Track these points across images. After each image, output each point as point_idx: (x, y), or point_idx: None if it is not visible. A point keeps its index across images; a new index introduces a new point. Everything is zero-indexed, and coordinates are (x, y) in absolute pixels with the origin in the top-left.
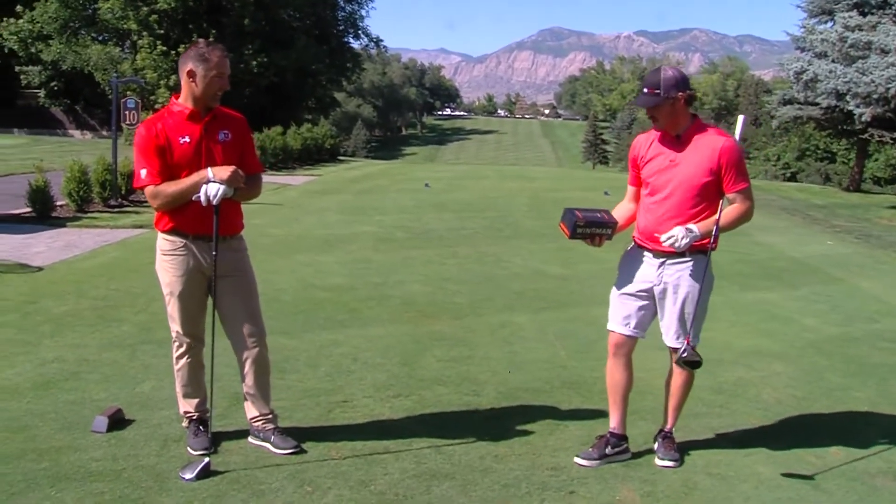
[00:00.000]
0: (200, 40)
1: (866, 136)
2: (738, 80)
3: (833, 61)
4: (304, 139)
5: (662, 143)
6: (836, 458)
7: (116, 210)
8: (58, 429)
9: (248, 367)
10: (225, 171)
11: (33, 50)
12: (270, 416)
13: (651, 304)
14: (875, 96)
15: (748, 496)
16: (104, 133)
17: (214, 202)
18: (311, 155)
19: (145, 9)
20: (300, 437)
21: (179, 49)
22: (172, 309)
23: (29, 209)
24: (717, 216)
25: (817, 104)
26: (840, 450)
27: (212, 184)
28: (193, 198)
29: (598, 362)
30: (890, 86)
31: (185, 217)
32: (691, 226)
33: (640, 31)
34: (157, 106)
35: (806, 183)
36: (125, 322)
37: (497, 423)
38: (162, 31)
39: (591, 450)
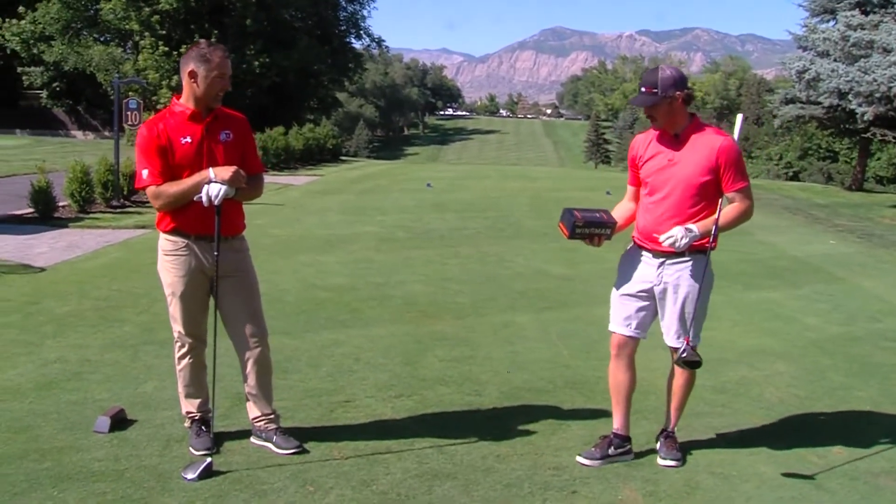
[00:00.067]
0: (202, 41)
1: (868, 135)
2: (741, 79)
3: (835, 60)
4: (305, 139)
5: (661, 143)
6: (839, 457)
7: (118, 210)
8: (60, 429)
9: (249, 367)
10: (226, 172)
11: (35, 51)
12: (272, 417)
13: (652, 304)
14: (877, 95)
15: (750, 496)
16: (106, 134)
17: (216, 202)
18: (313, 155)
19: (147, 9)
20: (302, 437)
21: (181, 49)
22: (174, 309)
23: (31, 210)
24: (716, 215)
25: (819, 103)
26: (842, 449)
27: (213, 184)
28: (195, 198)
29: (601, 362)
30: (892, 84)
31: (186, 217)
32: (690, 225)
33: (642, 31)
34: (158, 106)
35: (808, 182)
36: (127, 322)
37: (499, 423)
38: (164, 32)
39: (593, 449)
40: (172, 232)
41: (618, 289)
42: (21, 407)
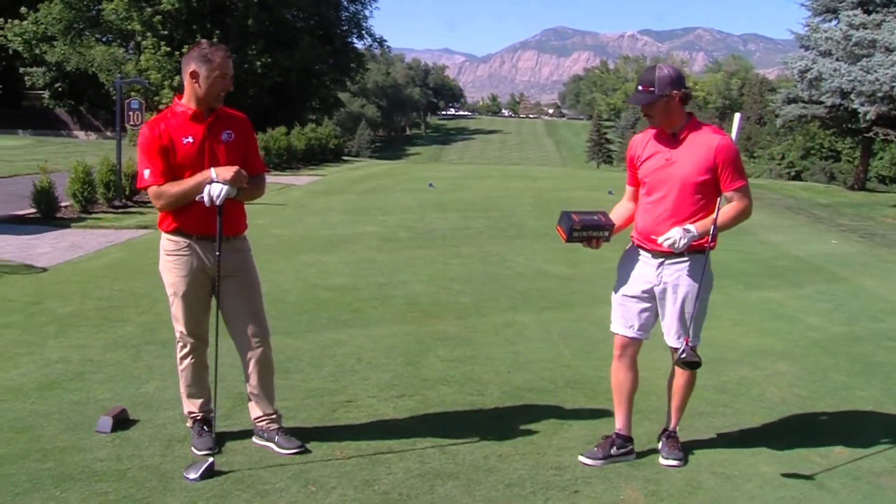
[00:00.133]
0: (203, 41)
1: (871, 134)
2: (743, 78)
3: (837, 59)
4: (307, 139)
5: (658, 143)
6: (841, 457)
7: (120, 211)
8: (62, 429)
9: (251, 367)
10: (228, 172)
11: (38, 51)
12: (274, 416)
13: (653, 304)
14: (880, 94)
15: (752, 495)
16: (108, 134)
17: (218, 202)
18: (315, 155)
19: (149, 10)
20: (304, 436)
21: (183, 50)
22: (176, 309)
23: (33, 210)
24: (714, 215)
25: (822, 103)
26: (844, 449)
27: (215, 184)
28: (197, 198)
29: (603, 362)
30: (894, 84)
31: (188, 217)
32: (689, 226)
33: (644, 31)
34: (160, 106)
35: (810, 182)
36: (129, 322)
37: (501, 423)
38: (166, 32)
39: (595, 449)
40: (174, 232)
41: (618, 290)
42: (23, 407)
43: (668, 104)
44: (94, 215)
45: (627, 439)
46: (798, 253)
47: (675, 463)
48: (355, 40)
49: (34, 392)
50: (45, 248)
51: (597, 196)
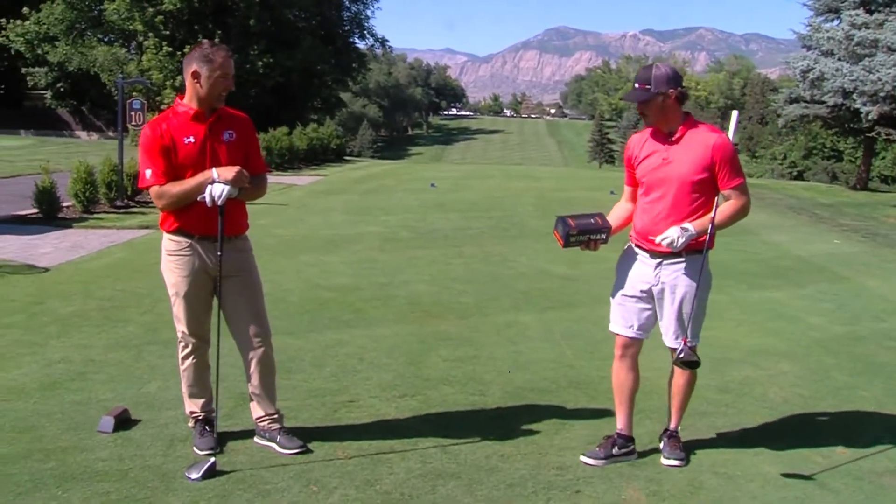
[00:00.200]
0: (205, 41)
1: (873, 134)
2: (745, 78)
3: (839, 59)
4: (309, 139)
5: (655, 142)
6: (843, 457)
7: (122, 211)
8: (64, 429)
9: (253, 367)
10: (230, 172)
11: (40, 51)
12: (276, 416)
13: (652, 304)
14: (882, 94)
15: (754, 495)
16: (110, 134)
17: (219, 202)
18: (317, 155)
19: (151, 10)
20: (306, 436)
21: (185, 50)
22: (178, 309)
23: (35, 210)
24: (712, 213)
25: (824, 102)
26: (846, 449)
27: (216, 184)
28: (198, 198)
29: (604, 362)
30: None
31: (190, 217)
32: (687, 224)
33: (646, 30)
34: (162, 107)
35: (812, 181)
36: (131, 322)
37: (503, 423)
38: (168, 32)
39: (597, 449)
40: (176, 232)
41: (616, 290)
42: (25, 407)
43: (665, 102)
44: (95, 215)
45: (629, 439)
46: (800, 253)
47: (676, 463)
48: (357, 40)
49: (36, 392)
50: (47, 248)
51: (599, 196)
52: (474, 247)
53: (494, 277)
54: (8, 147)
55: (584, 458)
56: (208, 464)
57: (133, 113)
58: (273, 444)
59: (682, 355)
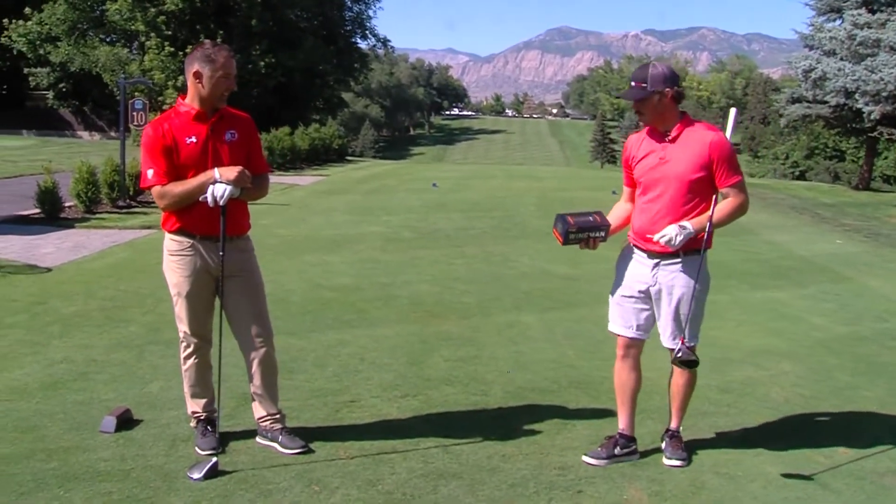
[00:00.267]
0: (207, 41)
1: (875, 134)
2: (747, 78)
3: (842, 59)
4: (311, 139)
5: (652, 142)
6: (845, 457)
7: (124, 211)
8: (66, 429)
9: (255, 367)
10: (231, 172)
11: (42, 52)
12: (278, 416)
13: (650, 305)
14: (884, 94)
15: (756, 496)
16: (112, 134)
17: (221, 203)
18: (319, 155)
19: (153, 10)
20: (308, 436)
21: (187, 50)
22: (180, 309)
23: (38, 210)
24: (710, 212)
25: (826, 102)
26: (848, 449)
27: (218, 184)
28: (200, 198)
29: (606, 362)
30: None
31: (192, 217)
32: (685, 223)
33: (648, 30)
34: (164, 107)
35: (815, 181)
36: (133, 322)
37: (504, 423)
38: (170, 33)
39: (599, 449)
40: (178, 232)
41: (615, 290)
42: (27, 407)
43: (661, 102)
44: (97, 215)
45: (631, 439)
46: (802, 253)
47: (678, 463)
48: (359, 40)
49: (38, 392)
50: (49, 248)
51: (601, 196)
52: (476, 247)
53: (496, 277)
54: (10, 147)
55: (585, 459)
56: (210, 464)
57: (135, 113)
58: (275, 444)
59: (679, 354)
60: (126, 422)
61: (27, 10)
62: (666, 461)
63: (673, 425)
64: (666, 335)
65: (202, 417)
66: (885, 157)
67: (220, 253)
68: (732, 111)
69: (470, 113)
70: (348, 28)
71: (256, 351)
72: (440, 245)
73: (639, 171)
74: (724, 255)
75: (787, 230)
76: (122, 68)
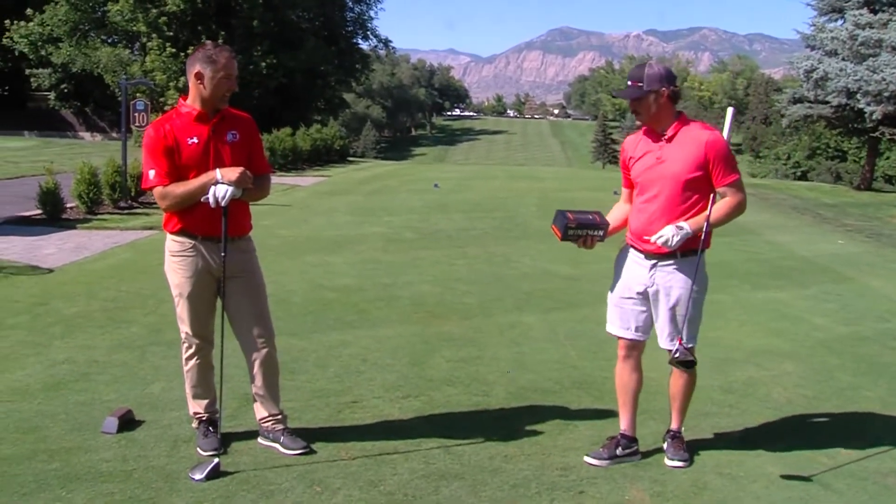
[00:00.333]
0: (208, 42)
1: (877, 134)
2: (748, 78)
3: (843, 59)
4: (313, 140)
5: (649, 142)
6: (847, 457)
7: (126, 212)
8: (68, 430)
9: (257, 368)
10: (233, 173)
11: (43, 53)
12: (280, 417)
13: (648, 306)
14: (886, 94)
15: (758, 496)
16: (114, 135)
17: (223, 203)
18: (321, 156)
19: (154, 11)
20: (309, 437)
21: (188, 51)
22: (181, 310)
23: (39, 211)
24: (707, 212)
25: (828, 102)
26: (850, 449)
27: (220, 185)
28: (202, 199)
29: (608, 362)
30: None
31: (193, 218)
32: (682, 223)
33: (650, 31)
34: (166, 108)
35: (816, 182)
36: (135, 323)
37: (506, 424)
38: (171, 33)
39: (601, 450)
40: (179, 233)
41: (613, 291)
42: (29, 408)
43: (657, 101)
44: (99, 216)
45: (633, 440)
46: (804, 253)
47: (680, 464)
48: (360, 41)
49: (40, 393)
50: (51, 249)
51: (602, 196)
52: (478, 247)
53: (498, 278)
54: (12, 148)
55: (587, 459)
56: (212, 464)
57: (136, 114)
58: (277, 445)
59: (677, 355)
60: (128, 423)
61: (29, 11)
62: (668, 462)
63: (674, 426)
64: (663, 336)
65: (204, 418)
66: (887, 158)
67: (222, 254)
68: (730, 111)
69: (471, 113)
70: (350, 29)
71: (258, 352)
72: (442, 246)
73: (635, 172)
74: (725, 256)
75: (788, 230)
76: (124, 69)
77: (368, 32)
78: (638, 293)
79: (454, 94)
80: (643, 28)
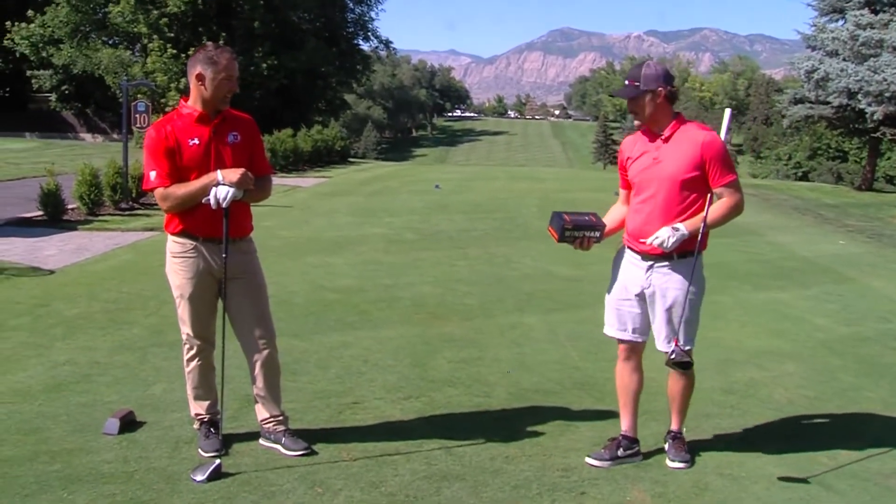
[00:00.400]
0: (209, 43)
1: (878, 134)
2: (749, 79)
3: (844, 60)
4: (314, 141)
5: (646, 143)
6: (849, 458)
7: (127, 213)
8: (69, 431)
9: (258, 369)
10: (234, 174)
11: (44, 54)
12: (281, 418)
13: (645, 307)
14: (887, 94)
15: (759, 497)
16: (115, 136)
17: (224, 205)
18: (322, 157)
19: (155, 12)
20: (311, 438)
21: (189, 52)
22: (183, 311)
23: (40, 212)
24: (704, 212)
25: (828, 103)
26: (852, 450)
27: (221, 186)
28: (203, 200)
29: (609, 363)
30: None
31: (194, 219)
32: (678, 224)
33: (650, 31)
34: (167, 109)
35: (817, 182)
36: (136, 325)
37: (507, 425)
38: (172, 35)
39: (602, 451)
40: (181, 234)
41: (611, 292)
42: (31, 409)
43: (654, 101)
44: (100, 217)
45: (634, 441)
46: (805, 253)
47: (681, 465)
48: (361, 42)
49: (41, 394)
50: (52, 250)
51: (603, 197)
52: (478, 248)
53: (499, 279)
54: (13, 149)
55: (589, 460)
56: (213, 465)
57: (137, 115)
58: (278, 446)
59: (673, 356)
60: (129, 424)
61: (30, 12)
62: (669, 463)
63: (674, 427)
64: (660, 338)
65: (205, 419)
66: (888, 158)
67: (223, 255)
68: (727, 112)
69: (472, 114)
70: (350, 30)
71: (259, 353)
72: (442, 246)
73: (633, 172)
74: (726, 256)
75: (789, 231)
76: (125, 70)
77: (369, 33)
78: (635, 295)
79: (455, 95)
80: (644, 29)
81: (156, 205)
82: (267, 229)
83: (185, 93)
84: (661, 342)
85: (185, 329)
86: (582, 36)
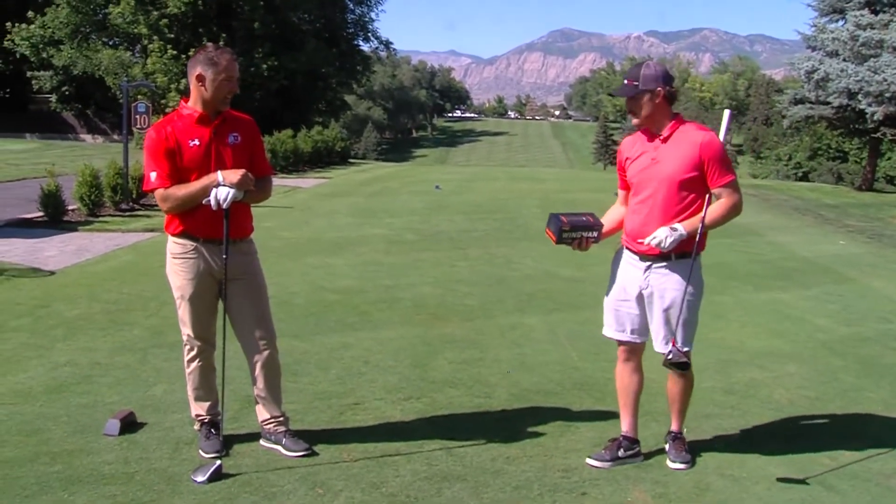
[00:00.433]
0: (209, 44)
1: (878, 134)
2: (749, 79)
3: (844, 60)
4: (314, 142)
5: (645, 143)
6: (850, 458)
7: (128, 214)
8: (70, 432)
9: (258, 370)
10: (234, 175)
11: (45, 55)
12: (282, 419)
13: (644, 307)
14: (887, 95)
15: (760, 497)
16: (115, 137)
17: (224, 206)
18: (322, 157)
19: (155, 13)
20: (311, 439)
21: (190, 53)
22: (183, 312)
23: (41, 213)
24: (702, 213)
25: (829, 103)
26: (853, 451)
27: (221, 187)
28: (203, 201)
29: (610, 364)
30: None
31: (195, 220)
32: (676, 225)
33: (651, 32)
34: (167, 110)
35: (818, 182)
36: (137, 326)
37: (508, 425)
38: (172, 36)
39: (603, 451)
40: (181, 235)
41: (609, 293)
42: (31, 410)
43: (653, 100)
44: (101, 218)
45: (634, 441)
46: (805, 254)
47: (682, 466)
48: (361, 43)
49: (42, 395)
50: (53, 251)
51: (603, 197)
52: (479, 249)
53: (499, 279)
54: (13, 150)
55: (589, 461)
56: (214, 466)
57: (138, 116)
58: (279, 447)
59: (670, 357)
60: (130, 425)
61: (30, 13)
62: (670, 463)
63: (674, 428)
64: (658, 339)
65: (206, 420)
66: (889, 158)
67: (224, 256)
68: (726, 113)
69: (472, 115)
70: (350, 30)
71: (260, 354)
72: (443, 247)
73: (631, 172)
74: (727, 257)
75: (790, 231)
76: (125, 71)
77: (369, 34)
78: (634, 295)
79: (455, 96)
80: (644, 29)
81: (156, 206)
82: (267, 230)
83: (185, 94)
84: (659, 343)
85: (186, 330)
86: (582, 36)
